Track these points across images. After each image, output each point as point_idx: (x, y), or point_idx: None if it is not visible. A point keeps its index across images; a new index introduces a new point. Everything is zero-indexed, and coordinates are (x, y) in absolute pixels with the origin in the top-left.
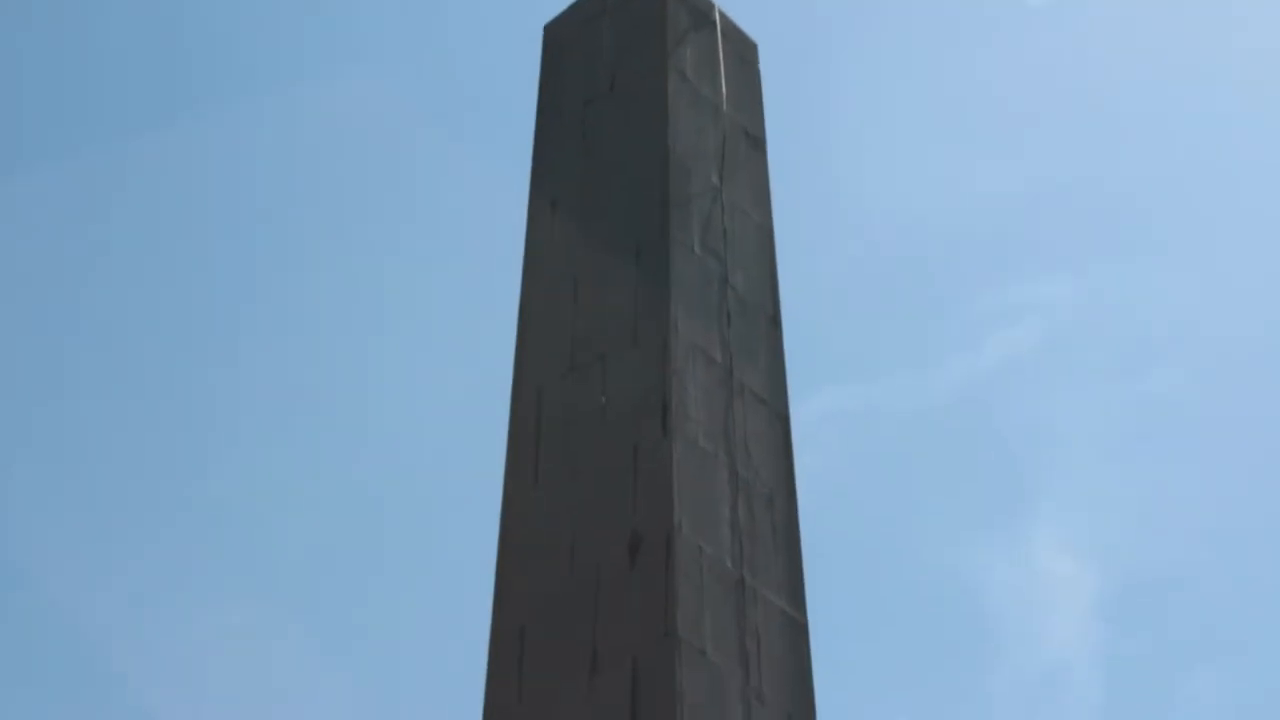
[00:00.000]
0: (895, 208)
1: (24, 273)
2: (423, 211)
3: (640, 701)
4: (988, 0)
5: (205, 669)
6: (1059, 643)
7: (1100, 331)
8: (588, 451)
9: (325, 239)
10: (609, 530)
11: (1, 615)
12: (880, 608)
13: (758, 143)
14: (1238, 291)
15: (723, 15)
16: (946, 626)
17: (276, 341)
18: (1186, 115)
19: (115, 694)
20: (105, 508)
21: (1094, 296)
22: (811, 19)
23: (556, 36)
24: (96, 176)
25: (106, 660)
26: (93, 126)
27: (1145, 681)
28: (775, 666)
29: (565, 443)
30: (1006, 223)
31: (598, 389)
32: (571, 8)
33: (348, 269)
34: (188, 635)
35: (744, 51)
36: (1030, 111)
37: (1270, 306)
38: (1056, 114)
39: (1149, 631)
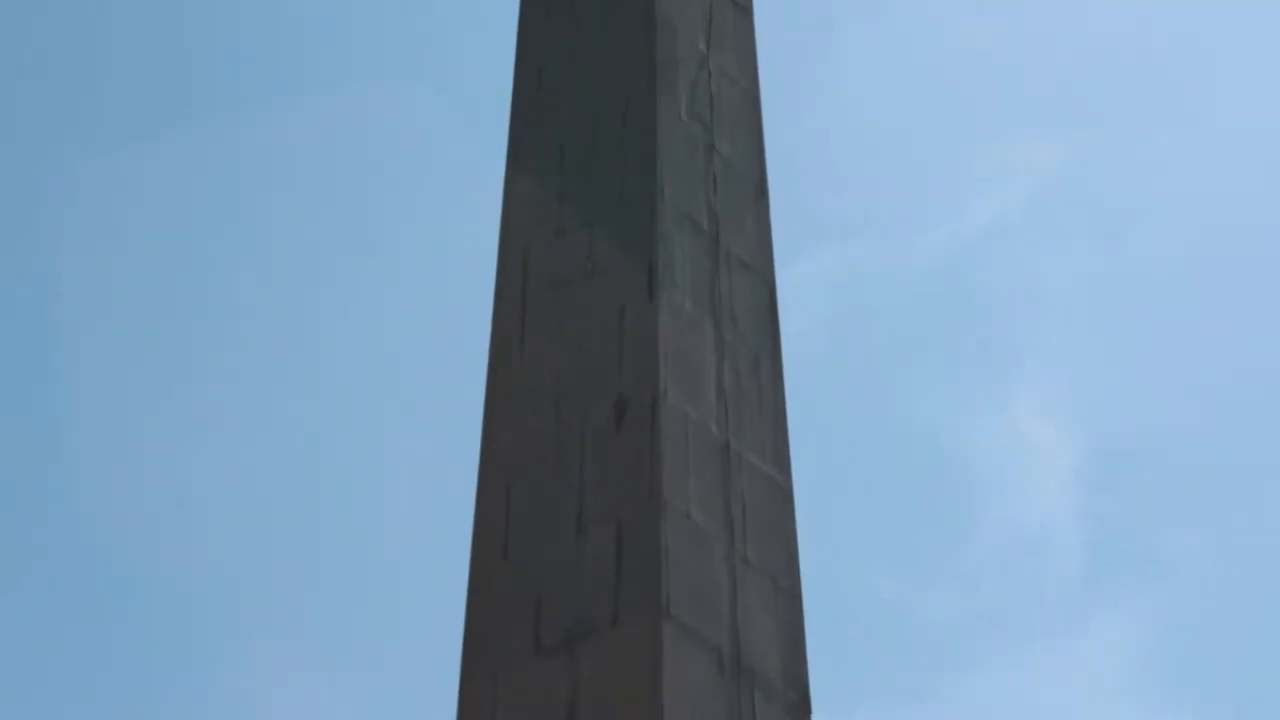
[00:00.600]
0: (878, 68)
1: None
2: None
3: (625, 563)
4: None
5: None
6: (1041, 506)
7: (1087, 194)
8: (574, 316)
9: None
10: (595, 394)
11: None
12: (863, 470)
13: (744, 9)
14: (1228, 155)
15: None
16: (929, 490)
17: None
18: None
19: None
20: None
21: (1081, 159)
22: None
23: None
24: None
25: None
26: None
27: (1127, 544)
28: (760, 530)
29: (551, 307)
30: (992, 83)
31: (584, 253)
32: None
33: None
34: None
35: None
36: None
37: (1264, 170)
38: None
39: (1131, 494)
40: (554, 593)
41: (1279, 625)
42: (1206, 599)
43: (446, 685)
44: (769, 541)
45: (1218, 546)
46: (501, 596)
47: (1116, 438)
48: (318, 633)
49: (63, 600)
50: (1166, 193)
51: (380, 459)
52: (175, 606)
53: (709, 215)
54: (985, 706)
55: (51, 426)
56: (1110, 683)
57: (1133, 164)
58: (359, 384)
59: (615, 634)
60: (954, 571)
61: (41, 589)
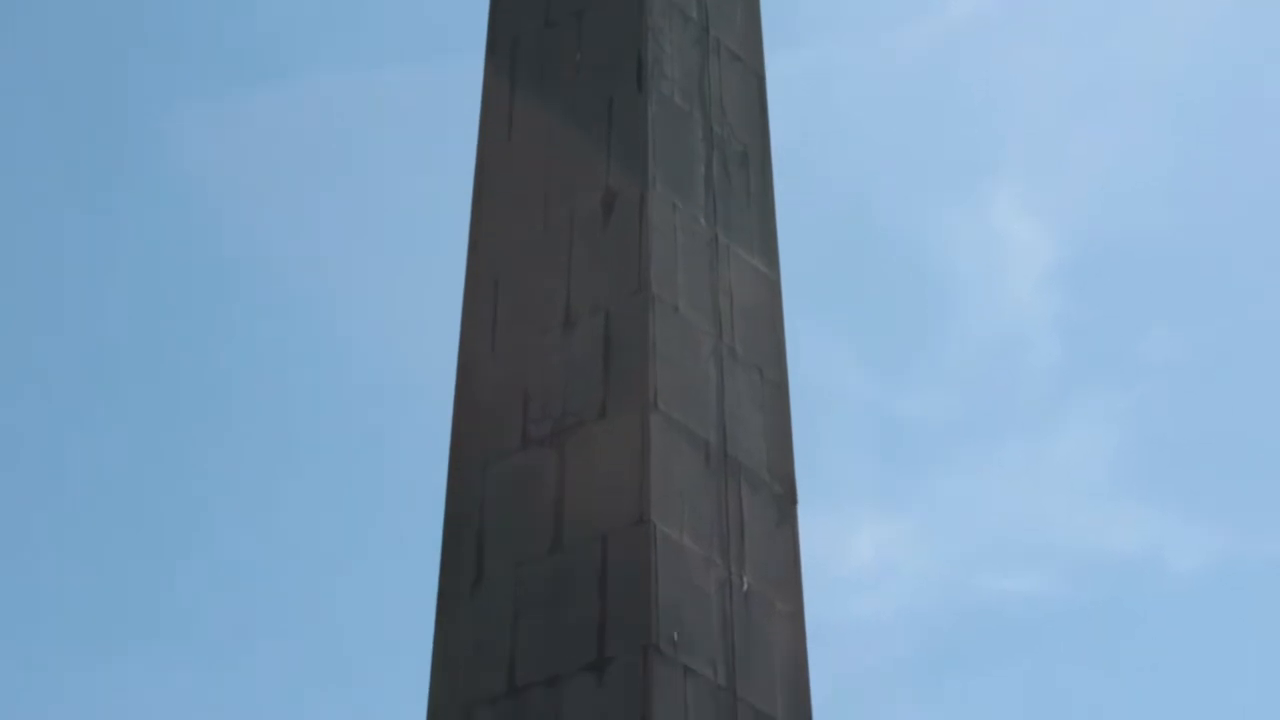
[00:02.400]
0: None
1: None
2: None
3: (612, 354)
4: None
5: None
6: (1017, 307)
7: None
8: (563, 106)
9: None
10: (583, 186)
11: None
12: (846, 268)
13: None
14: None
15: None
16: (908, 290)
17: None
18: None
19: None
20: None
21: None
22: None
23: None
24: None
25: None
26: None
27: (1103, 345)
28: (747, 322)
29: (541, 96)
30: None
31: (573, 44)
32: None
33: None
34: None
35: None
36: None
37: None
38: None
39: (1108, 296)
40: (541, 386)
41: (1254, 424)
42: (1182, 400)
43: (435, 477)
44: (756, 335)
45: (1194, 348)
46: (489, 390)
47: (1094, 239)
48: (302, 428)
49: None
50: None
51: (365, 257)
52: None
53: (698, 6)
54: (961, 506)
55: None
56: (1086, 482)
57: None
58: (347, 186)
59: (602, 427)
60: (931, 373)
61: None
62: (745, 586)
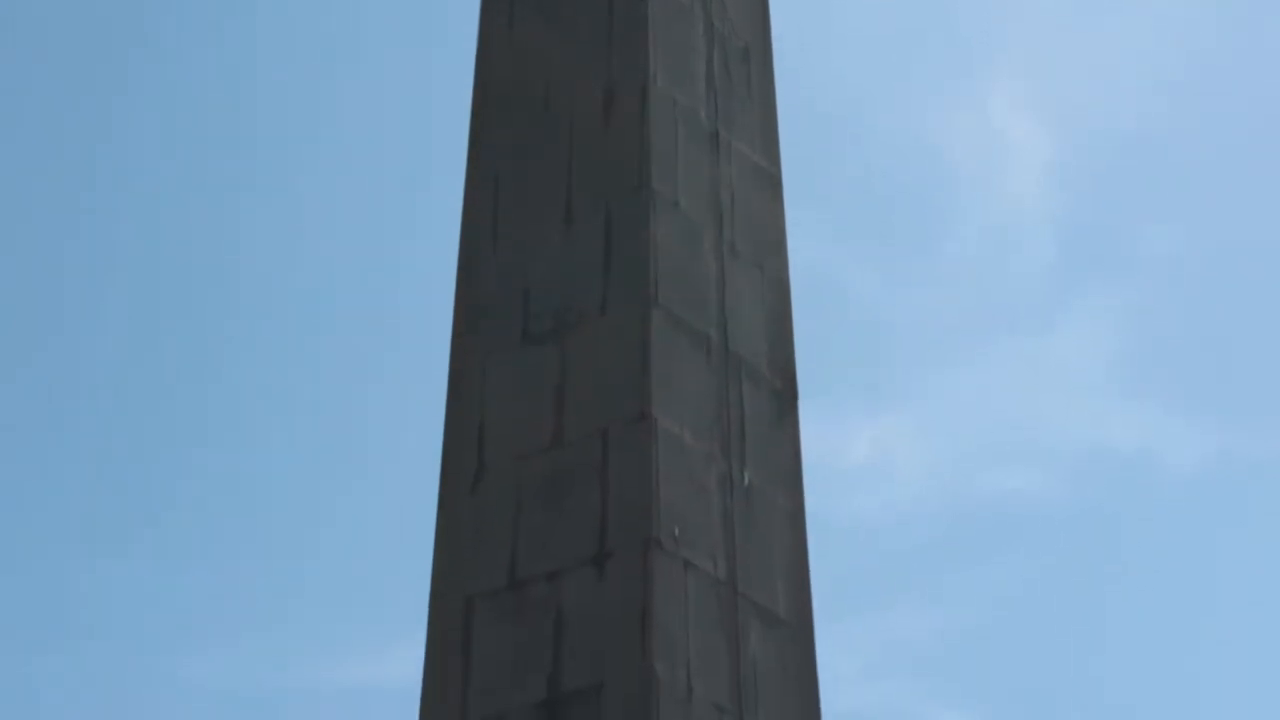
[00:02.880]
0: None
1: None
2: None
3: (613, 252)
4: None
5: None
6: (1015, 204)
7: None
8: (563, 2)
9: None
10: (584, 82)
11: None
12: (844, 166)
13: None
14: None
15: None
16: (907, 185)
17: None
18: None
19: None
20: None
21: None
22: None
23: None
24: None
25: None
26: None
27: (1101, 242)
28: (749, 219)
29: None
30: None
31: None
32: None
33: None
34: None
35: None
36: None
37: None
38: None
39: (1106, 192)
40: (542, 282)
41: (1253, 322)
42: (1181, 298)
43: (437, 370)
44: (757, 230)
45: (1191, 244)
46: (490, 286)
47: (1095, 136)
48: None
49: None
50: None
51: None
52: None
53: None
54: (959, 403)
55: None
56: (1083, 380)
57: None
58: (345, 81)
59: (603, 322)
60: (928, 270)
61: None
62: (746, 482)
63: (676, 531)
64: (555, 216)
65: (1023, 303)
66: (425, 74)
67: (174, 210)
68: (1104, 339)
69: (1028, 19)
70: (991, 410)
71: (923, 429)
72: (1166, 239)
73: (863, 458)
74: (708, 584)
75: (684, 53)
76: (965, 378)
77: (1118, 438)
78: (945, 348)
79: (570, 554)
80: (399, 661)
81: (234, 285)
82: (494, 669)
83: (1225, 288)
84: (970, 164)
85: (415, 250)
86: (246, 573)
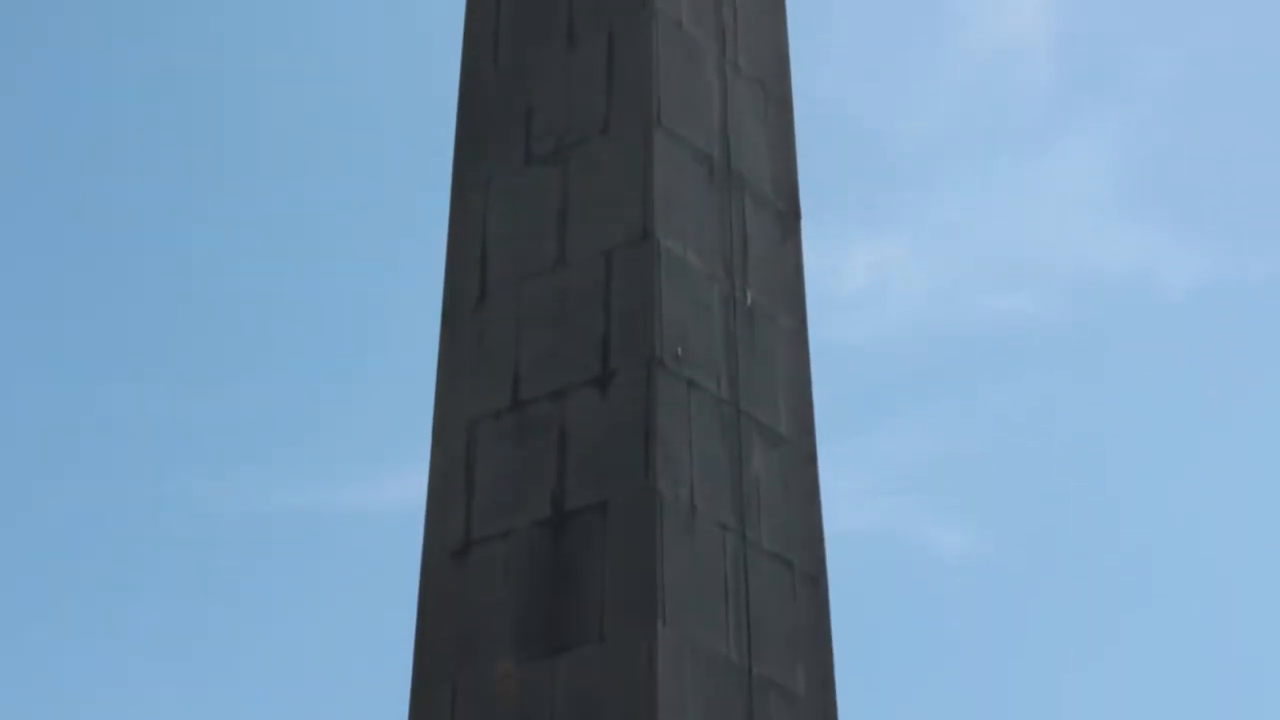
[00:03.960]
0: None
1: None
2: None
3: (616, 72)
4: None
5: None
6: (1016, 21)
7: None
8: None
9: None
10: None
11: None
12: None
13: None
14: None
15: None
16: (908, 7)
17: None
18: None
19: None
20: None
21: None
22: None
23: None
24: None
25: None
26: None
27: (1099, 60)
28: (750, 36)
29: None
30: None
31: None
32: None
33: None
34: None
35: None
36: None
37: None
38: None
39: (1106, 11)
40: (545, 103)
41: (1250, 145)
42: (1177, 120)
43: (439, 197)
44: (760, 48)
45: (1190, 67)
46: (492, 108)
47: None
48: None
49: None
50: None
51: None
52: None
53: None
54: (955, 225)
55: None
56: (1080, 201)
57: None
58: None
59: (606, 143)
60: (927, 90)
61: None
62: (749, 301)
63: (679, 351)
64: (557, 37)
65: (1021, 125)
66: None
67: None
68: (1101, 161)
69: None
70: (988, 233)
71: (920, 252)
72: (1165, 62)
73: (860, 282)
74: (710, 403)
75: None
76: (963, 200)
77: (1114, 260)
78: (943, 170)
79: (573, 374)
80: (402, 485)
81: (248, 94)
82: (497, 489)
83: (1223, 111)
84: None
85: (418, 71)
86: (250, 399)
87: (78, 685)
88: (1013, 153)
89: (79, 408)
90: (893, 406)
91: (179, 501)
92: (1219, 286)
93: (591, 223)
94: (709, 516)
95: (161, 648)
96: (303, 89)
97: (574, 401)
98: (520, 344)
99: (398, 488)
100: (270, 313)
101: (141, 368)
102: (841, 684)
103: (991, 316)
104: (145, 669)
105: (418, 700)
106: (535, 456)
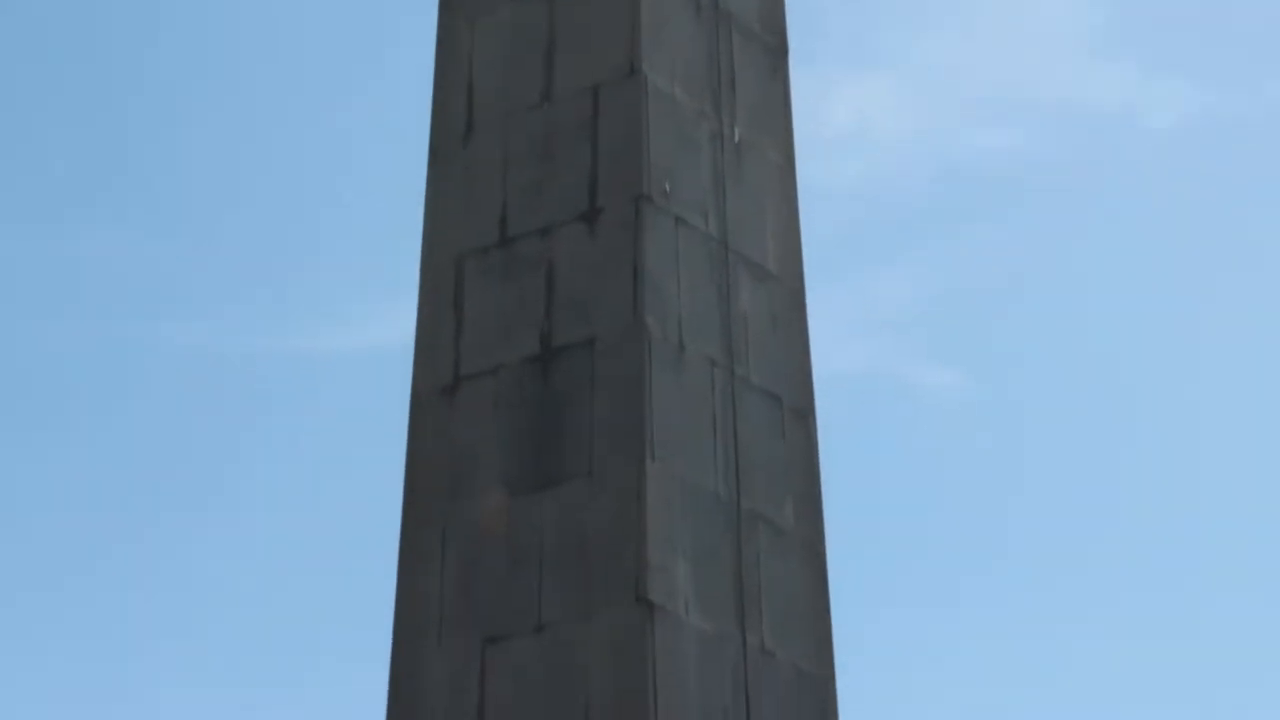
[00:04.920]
0: None
1: None
2: None
3: None
4: None
5: None
6: None
7: None
8: None
9: None
10: None
11: None
12: None
13: None
14: None
15: None
16: None
17: None
18: None
19: None
20: None
21: None
22: None
23: None
24: None
25: None
26: None
27: None
28: None
29: None
30: None
31: None
32: None
33: None
34: None
35: None
36: None
37: None
38: None
39: None
40: None
41: None
42: None
43: (424, 30)
44: None
45: None
46: None
47: None
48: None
49: None
50: None
51: None
52: None
53: None
54: (940, 64)
55: None
56: (1065, 39)
57: None
58: None
59: None
60: None
61: None
62: (737, 138)
63: (667, 187)
64: None
65: None
66: None
67: None
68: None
69: None
70: (974, 71)
71: (906, 91)
72: None
73: (846, 122)
74: (698, 239)
75: None
76: (948, 39)
77: (1099, 97)
78: (928, 9)
79: (561, 210)
80: (390, 325)
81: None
82: (486, 325)
83: None
84: None
85: None
86: (234, 241)
87: (67, 533)
88: None
89: (52, 253)
90: (879, 249)
91: (160, 345)
92: (1203, 123)
93: (578, 58)
94: (697, 352)
95: (145, 493)
96: None
97: (562, 238)
98: (507, 180)
99: (385, 328)
100: (251, 151)
101: (119, 210)
102: (829, 518)
103: (978, 154)
104: (133, 508)
105: (408, 536)
106: (523, 293)
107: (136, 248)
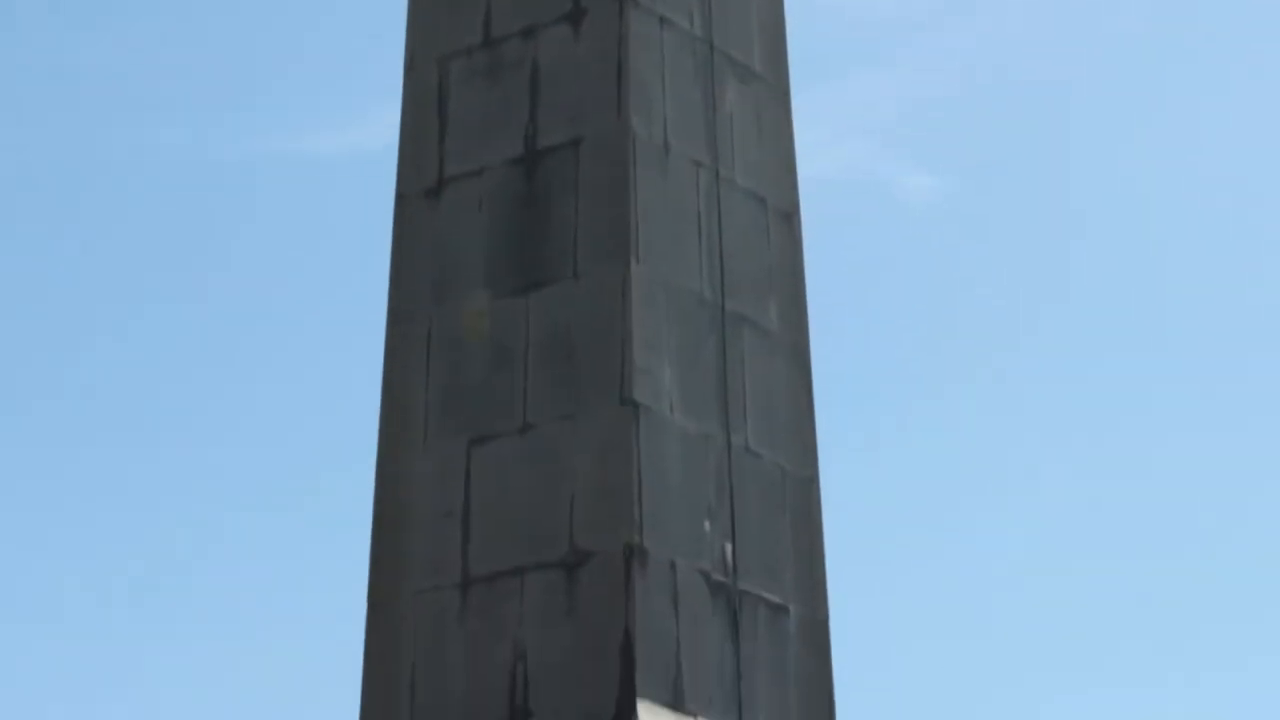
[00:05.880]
0: None
1: None
2: None
3: None
4: None
5: None
6: None
7: None
8: None
9: None
10: None
11: None
12: None
13: None
14: None
15: None
16: None
17: None
18: None
19: None
20: None
21: None
22: None
23: None
24: None
25: None
26: None
27: None
28: None
29: None
30: None
31: None
32: None
33: None
34: None
35: None
36: None
37: None
38: None
39: None
40: None
41: None
42: None
43: None
44: None
45: None
46: None
47: None
48: None
49: None
50: None
51: None
52: None
53: None
54: None
55: None
56: None
57: None
58: None
59: None
60: None
61: None
62: None
63: None
64: None
65: None
66: None
67: None
68: None
69: None
70: None
71: None
72: None
73: None
74: (683, 39)
75: None
76: None
77: None
78: None
79: (545, 11)
80: (376, 127)
81: None
82: (470, 127)
83: None
84: None
85: None
86: (222, 45)
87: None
88: None
89: (44, 61)
90: (859, 54)
91: (148, 149)
92: None
93: None
94: (682, 153)
95: (135, 289)
96: None
97: (546, 38)
98: None
99: (369, 131)
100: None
101: (109, 18)
102: (814, 320)
103: None
104: (124, 301)
105: (393, 338)
106: (507, 94)
107: (127, 54)
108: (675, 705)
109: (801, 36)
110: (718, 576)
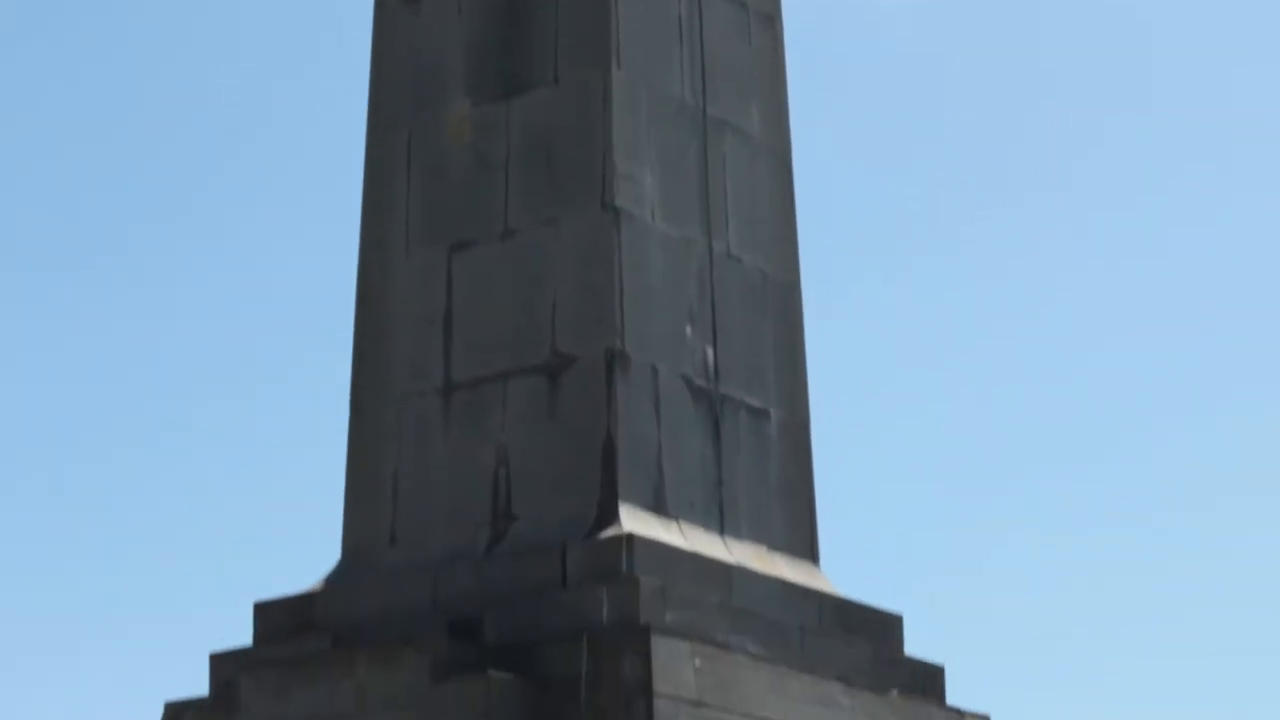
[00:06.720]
0: None
1: None
2: None
3: None
4: None
5: None
6: None
7: None
8: None
9: None
10: None
11: None
12: None
13: None
14: None
15: None
16: None
17: None
18: None
19: None
20: None
21: None
22: None
23: None
24: None
25: None
26: None
27: None
28: None
29: None
30: None
31: None
32: None
33: None
34: None
35: None
36: None
37: None
38: None
39: None
40: None
41: None
42: None
43: None
44: None
45: None
46: None
47: None
48: None
49: None
50: None
51: None
52: None
53: None
54: None
55: None
56: None
57: None
58: None
59: None
60: None
61: None
62: None
63: None
64: None
65: None
66: None
67: None
68: None
69: None
70: None
71: None
72: None
73: None
74: None
75: None
76: None
77: None
78: None
79: None
80: None
81: None
82: None
83: None
84: None
85: None
86: None
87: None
88: None
89: None
90: None
91: None
92: None
93: None
94: None
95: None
96: None
97: None
98: None
99: None
100: None
101: None
102: (795, 126)
103: None
104: (116, 112)
105: (374, 145)
106: None
107: None
108: (657, 509)
109: None
110: (699, 381)
